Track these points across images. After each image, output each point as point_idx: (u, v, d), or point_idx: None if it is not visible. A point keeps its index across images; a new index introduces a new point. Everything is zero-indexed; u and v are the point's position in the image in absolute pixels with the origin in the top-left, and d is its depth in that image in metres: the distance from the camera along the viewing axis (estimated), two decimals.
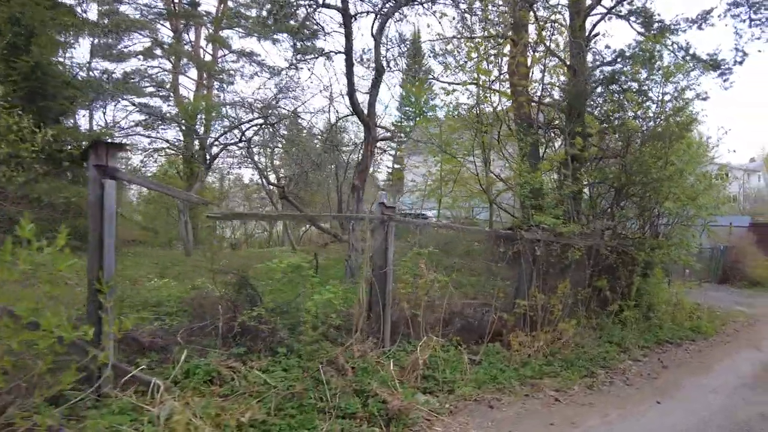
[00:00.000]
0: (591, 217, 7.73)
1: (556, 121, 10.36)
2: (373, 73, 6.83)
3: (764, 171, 41.74)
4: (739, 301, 14.23)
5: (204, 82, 25.32)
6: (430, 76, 9.11)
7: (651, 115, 9.55)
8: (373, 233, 4.77)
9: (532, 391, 4.92)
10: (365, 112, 7.00)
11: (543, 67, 9.87)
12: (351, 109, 7.43)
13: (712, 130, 9.82)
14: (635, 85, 9.81)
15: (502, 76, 9.75)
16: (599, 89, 10.05)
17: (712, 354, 7.92)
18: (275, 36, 22.21)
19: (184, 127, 17.42)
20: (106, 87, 11.79)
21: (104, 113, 11.52)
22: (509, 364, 5.43)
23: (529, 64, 9.58)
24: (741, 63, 10.86)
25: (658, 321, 8.79)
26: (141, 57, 21.35)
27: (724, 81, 10.95)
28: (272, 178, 18.40)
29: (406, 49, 8.71)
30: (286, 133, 13.40)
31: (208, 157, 14.25)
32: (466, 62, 8.61)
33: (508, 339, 6.00)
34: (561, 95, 10.31)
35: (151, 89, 23.05)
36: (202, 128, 19.36)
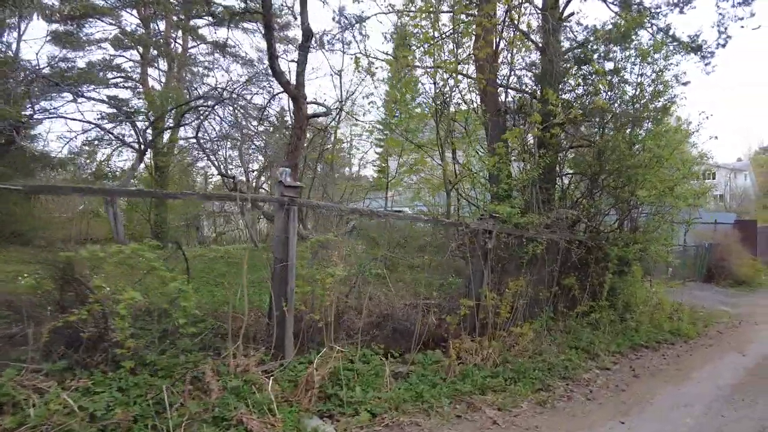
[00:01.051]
0: (560, 209, 6.88)
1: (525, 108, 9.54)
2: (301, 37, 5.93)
3: (750, 170, 41.48)
4: (723, 300, 13.53)
5: (174, 73, 24.22)
6: (390, 57, 8.16)
7: (627, 98, 8.78)
8: (274, 220, 3.86)
9: (466, 410, 4.03)
10: (293, 83, 6.08)
11: (510, 48, 9.03)
12: (275, 79, 6.52)
13: (693, 116, 9.03)
14: (610, 65, 9.03)
15: (467, 57, 8.89)
16: (572, 70, 9.24)
17: (691, 359, 7.11)
18: (244, 25, 21.29)
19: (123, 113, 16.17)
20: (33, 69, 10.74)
21: (31, 97, 10.50)
22: (447, 376, 4.53)
23: (495, 43, 8.73)
24: (724, 45, 10.13)
25: (635, 323, 7.97)
26: (100, 45, 20.17)
27: (706, 65, 10.20)
28: (239, 171, 17.44)
29: (356, 23, 7.84)
30: (241, 121, 12.36)
31: (142, 143, 13.02)
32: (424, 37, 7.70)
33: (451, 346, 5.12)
34: (530, 77, 9.50)
35: (117, 80, 21.98)
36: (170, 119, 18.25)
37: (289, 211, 3.81)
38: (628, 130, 8.32)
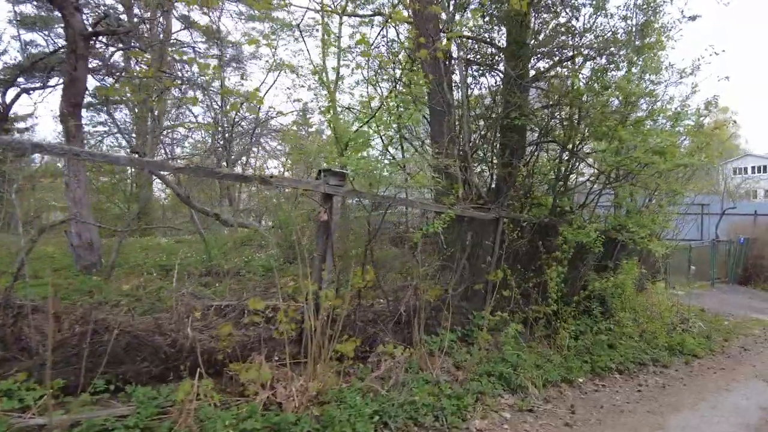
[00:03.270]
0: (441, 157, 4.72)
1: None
2: None
3: None
4: (759, 307, 10.80)
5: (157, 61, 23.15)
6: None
7: (605, 34, 6.53)
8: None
9: None
10: None
11: None
12: None
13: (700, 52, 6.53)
14: None
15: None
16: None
17: (682, 392, 4.83)
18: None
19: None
20: None
21: None
22: (174, 429, 2.58)
23: None
24: None
25: (607, 336, 5.72)
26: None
27: None
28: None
29: None
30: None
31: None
32: None
33: (236, 371, 3.17)
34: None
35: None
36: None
37: None
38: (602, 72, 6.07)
